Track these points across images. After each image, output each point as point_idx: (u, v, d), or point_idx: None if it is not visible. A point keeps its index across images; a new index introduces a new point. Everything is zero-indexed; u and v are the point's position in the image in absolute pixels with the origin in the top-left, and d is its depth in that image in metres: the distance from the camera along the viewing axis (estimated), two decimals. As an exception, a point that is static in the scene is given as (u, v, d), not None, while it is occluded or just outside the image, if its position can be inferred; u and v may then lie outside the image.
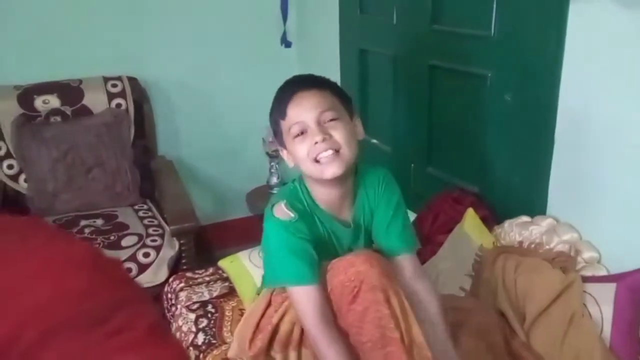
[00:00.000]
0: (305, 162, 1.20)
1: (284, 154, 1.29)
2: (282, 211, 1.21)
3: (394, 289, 1.11)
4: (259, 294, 1.39)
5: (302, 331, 1.19)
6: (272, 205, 1.24)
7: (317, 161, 1.19)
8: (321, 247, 1.24)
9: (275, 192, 1.32)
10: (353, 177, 1.28)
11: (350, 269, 1.12)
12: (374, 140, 2.23)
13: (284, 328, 1.22)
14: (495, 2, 1.56)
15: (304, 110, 1.19)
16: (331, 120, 1.20)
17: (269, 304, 1.27)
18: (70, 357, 0.45)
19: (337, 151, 1.18)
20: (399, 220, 1.29)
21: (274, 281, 1.25)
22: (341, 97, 1.26)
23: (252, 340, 1.25)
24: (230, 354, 1.35)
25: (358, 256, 1.15)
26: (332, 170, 1.18)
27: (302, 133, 1.20)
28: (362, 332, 1.10)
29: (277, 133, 1.28)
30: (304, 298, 1.15)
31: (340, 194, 1.27)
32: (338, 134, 1.19)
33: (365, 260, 1.12)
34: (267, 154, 2.63)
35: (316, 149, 1.18)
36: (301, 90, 1.21)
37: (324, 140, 1.17)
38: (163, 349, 0.49)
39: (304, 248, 1.18)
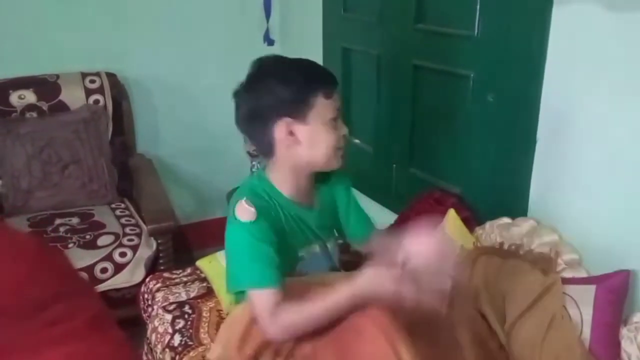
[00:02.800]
0: (326, 149, 1.20)
1: (285, 128, 1.18)
2: (243, 209, 1.19)
3: (404, 335, 1.04)
4: (237, 302, 1.36)
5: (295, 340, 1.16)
6: (234, 206, 1.21)
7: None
8: (290, 235, 1.24)
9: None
10: None
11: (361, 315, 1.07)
12: (356, 140, 2.22)
13: None
14: (479, 2, 1.55)
15: (338, 102, 1.22)
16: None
17: None
18: (6, 345, 0.44)
19: None
20: (360, 212, 1.40)
21: (237, 284, 1.22)
22: None
23: (240, 347, 1.19)
24: (211, 356, 1.31)
25: (372, 307, 1.08)
26: (340, 163, 1.24)
27: (335, 119, 1.21)
28: None
29: (298, 104, 1.17)
30: (263, 299, 1.13)
31: (311, 182, 1.29)
32: None
33: (378, 311, 1.07)
34: (248, 153, 2.60)
35: (342, 141, 1.22)
36: (335, 83, 1.23)
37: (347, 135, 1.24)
38: (101, 342, 0.49)
39: (266, 252, 1.17)
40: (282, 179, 1.25)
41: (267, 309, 1.12)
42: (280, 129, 1.18)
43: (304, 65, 1.23)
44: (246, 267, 1.18)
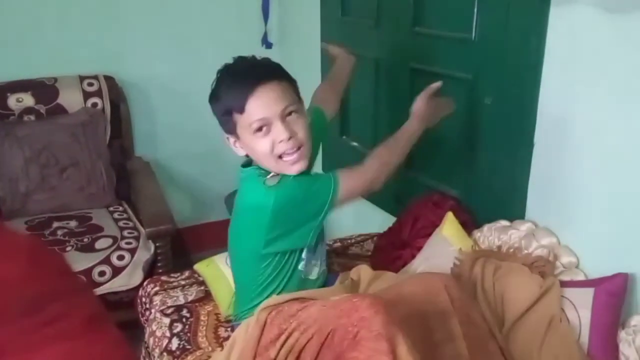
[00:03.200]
0: (267, 158, 1.20)
1: (230, 142, 1.26)
2: (272, 178, 1.21)
3: (403, 338, 1.02)
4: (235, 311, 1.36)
5: None
6: (262, 185, 1.22)
7: (279, 157, 1.18)
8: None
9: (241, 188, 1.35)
10: None
11: (354, 314, 1.04)
12: (354, 143, 2.22)
13: None
14: (476, 6, 1.55)
15: (267, 106, 1.17)
16: (292, 113, 1.19)
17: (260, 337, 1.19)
18: (2, 345, 0.45)
19: (299, 148, 1.19)
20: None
21: (334, 193, 1.24)
22: (293, 84, 1.25)
23: None
24: None
25: (363, 299, 1.06)
26: (298, 167, 1.20)
27: (262, 128, 1.17)
28: None
29: (227, 122, 1.23)
30: (349, 187, 1.26)
31: None
32: (300, 130, 1.20)
33: (370, 305, 1.04)
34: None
35: (281, 147, 1.18)
36: (262, 82, 1.17)
37: (289, 138, 1.17)
38: (98, 340, 0.50)
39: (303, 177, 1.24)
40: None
41: (357, 179, 1.29)
42: (230, 143, 1.26)
43: (229, 79, 1.22)
44: (316, 197, 1.23)
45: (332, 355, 1.07)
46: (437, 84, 1.47)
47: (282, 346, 1.13)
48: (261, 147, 1.18)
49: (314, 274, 1.36)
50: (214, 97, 1.24)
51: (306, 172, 1.27)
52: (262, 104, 1.17)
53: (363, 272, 1.43)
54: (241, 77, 1.20)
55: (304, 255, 1.31)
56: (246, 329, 1.23)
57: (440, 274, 1.28)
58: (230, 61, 1.27)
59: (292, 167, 1.20)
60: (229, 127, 1.23)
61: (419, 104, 1.44)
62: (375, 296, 1.11)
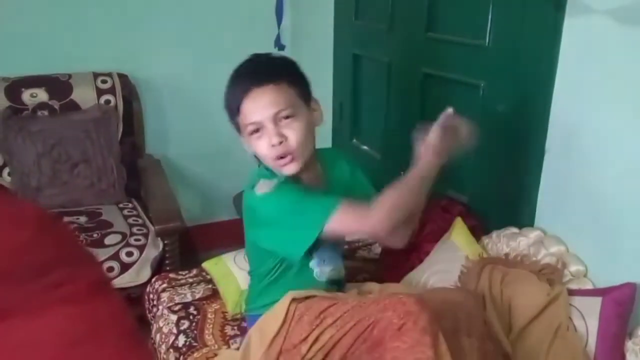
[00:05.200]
0: (266, 159, 1.22)
1: (243, 141, 1.28)
2: (264, 185, 1.22)
3: (442, 337, 1.06)
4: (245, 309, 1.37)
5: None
6: (252, 188, 1.23)
7: (275, 158, 1.20)
8: None
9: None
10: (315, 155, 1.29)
11: (400, 307, 1.06)
12: (365, 147, 2.22)
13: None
14: (490, 12, 1.55)
15: (259, 110, 1.18)
16: (287, 117, 1.19)
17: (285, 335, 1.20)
18: (9, 307, 0.46)
19: (292, 154, 1.20)
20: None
21: (308, 235, 1.17)
22: (298, 86, 1.24)
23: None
24: None
25: (410, 296, 1.09)
26: (289, 170, 1.21)
27: (258, 130, 1.20)
28: None
29: (233, 122, 1.26)
30: (344, 218, 1.15)
31: (306, 177, 1.28)
32: (294, 135, 1.19)
33: (417, 301, 1.07)
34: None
35: (274, 151, 1.19)
36: (255, 86, 1.19)
37: (280, 143, 1.18)
38: (103, 305, 0.51)
39: (307, 191, 1.21)
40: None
41: (357, 218, 1.16)
42: (243, 141, 1.27)
43: (232, 80, 1.24)
44: (305, 213, 1.18)
45: (367, 345, 1.09)
46: (449, 111, 1.23)
47: (314, 342, 1.15)
48: (259, 148, 1.21)
49: (322, 277, 1.35)
50: (224, 100, 1.27)
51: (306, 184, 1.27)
52: (254, 107, 1.18)
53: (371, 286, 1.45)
54: (240, 79, 1.22)
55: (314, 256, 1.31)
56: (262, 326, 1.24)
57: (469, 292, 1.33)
58: (246, 58, 1.28)
59: (285, 168, 1.21)
60: (236, 127, 1.26)
61: (433, 140, 1.21)
62: (420, 295, 1.14)
